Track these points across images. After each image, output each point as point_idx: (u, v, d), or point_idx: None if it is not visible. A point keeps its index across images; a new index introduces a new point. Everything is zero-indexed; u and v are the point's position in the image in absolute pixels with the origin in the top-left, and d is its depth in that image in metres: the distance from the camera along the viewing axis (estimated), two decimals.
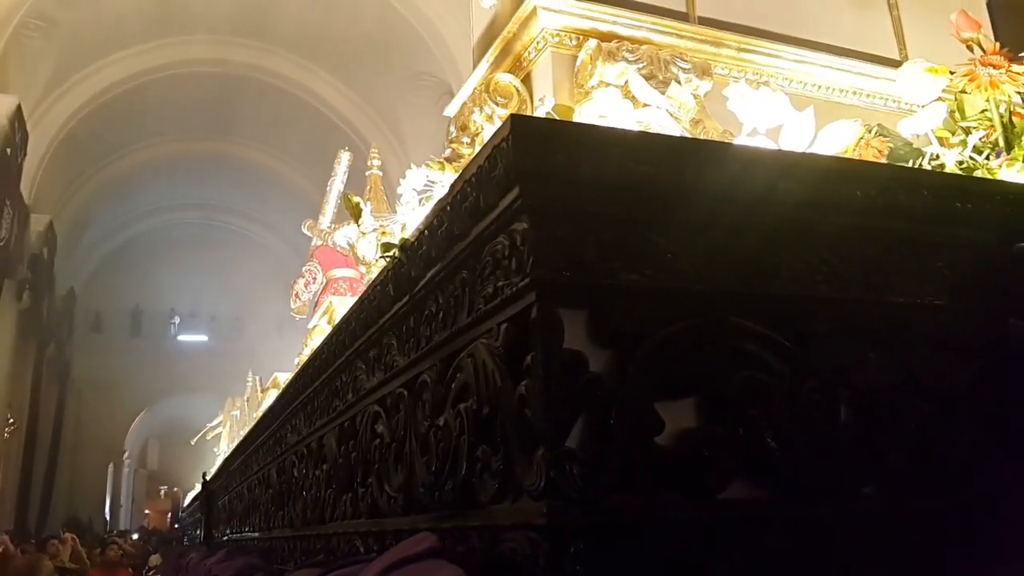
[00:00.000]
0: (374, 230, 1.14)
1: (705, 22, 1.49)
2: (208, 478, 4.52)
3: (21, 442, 16.11)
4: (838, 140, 1.02)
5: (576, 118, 1.04)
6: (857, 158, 1.11)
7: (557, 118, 0.99)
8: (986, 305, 0.89)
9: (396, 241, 1.01)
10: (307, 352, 2.80)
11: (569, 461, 0.68)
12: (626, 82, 1.19)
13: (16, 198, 14.27)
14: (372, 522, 1.20)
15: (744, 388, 0.76)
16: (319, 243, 5.34)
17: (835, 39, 1.61)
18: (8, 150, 13.33)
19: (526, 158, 0.73)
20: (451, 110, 1.62)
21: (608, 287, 0.74)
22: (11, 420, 15.39)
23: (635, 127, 0.97)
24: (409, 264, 1.02)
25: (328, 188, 5.58)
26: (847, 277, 0.84)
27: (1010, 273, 0.90)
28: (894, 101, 1.63)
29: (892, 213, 0.87)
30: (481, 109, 1.40)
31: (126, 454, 22.65)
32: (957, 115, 1.12)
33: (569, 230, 0.74)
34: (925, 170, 1.03)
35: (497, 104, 1.38)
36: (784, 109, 0.98)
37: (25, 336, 15.85)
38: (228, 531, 3.34)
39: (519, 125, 0.73)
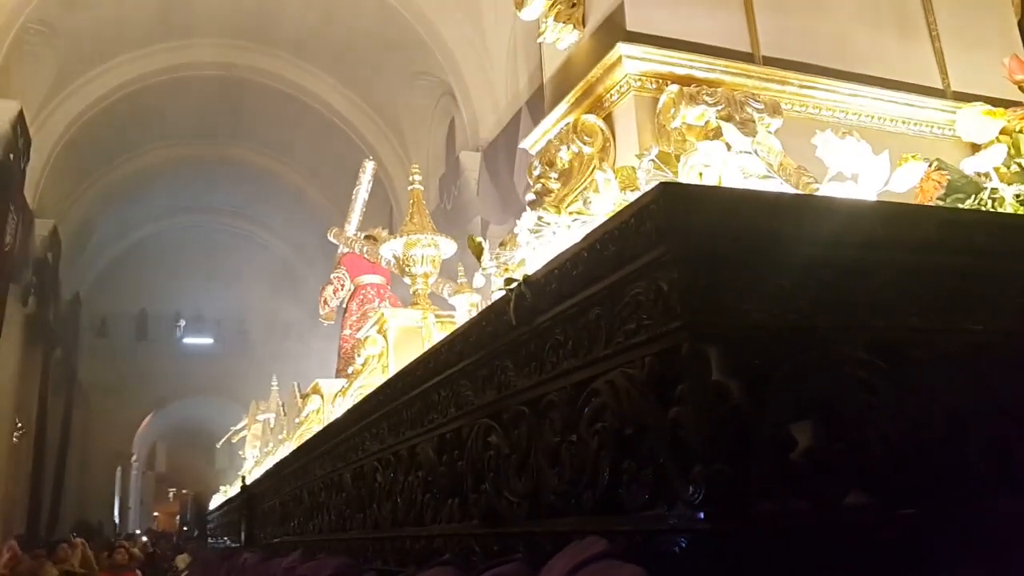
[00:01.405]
0: (496, 265, 1.27)
1: (769, 62, 1.62)
2: (247, 482, 4.66)
3: (30, 447, 16.22)
4: (909, 179, 1.16)
5: (681, 167, 1.18)
6: (921, 197, 1.24)
7: (689, 182, 1.11)
8: None
9: (515, 275, 1.14)
10: (360, 362, 2.93)
11: (722, 475, 0.82)
12: (715, 125, 1.32)
13: (20, 203, 14.33)
14: (487, 525, 1.34)
15: (857, 408, 0.89)
16: (345, 250, 5.48)
17: (883, 71, 1.75)
18: (11, 155, 13.40)
19: (674, 219, 0.87)
20: (528, 143, 1.76)
21: (741, 326, 0.88)
22: (19, 425, 15.50)
23: (737, 173, 1.11)
24: (533, 298, 1.15)
25: (353, 196, 5.71)
26: (935, 309, 0.98)
27: None
28: (939, 128, 1.77)
29: (967, 251, 1.01)
30: (568, 147, 1.53)
31: (134, 457, 22.79)
32: (1012, 151, 1.25)
33: (708, 279, 0.88)
34: (992, 212, 1.16)
35: (584, 143, 1.52)
36: (864, 154, 1.12)
37: (31, 341, 15.94)
38: (279, 532, 3.48)
39: (670, 189, 0.87)
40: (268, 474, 3.88)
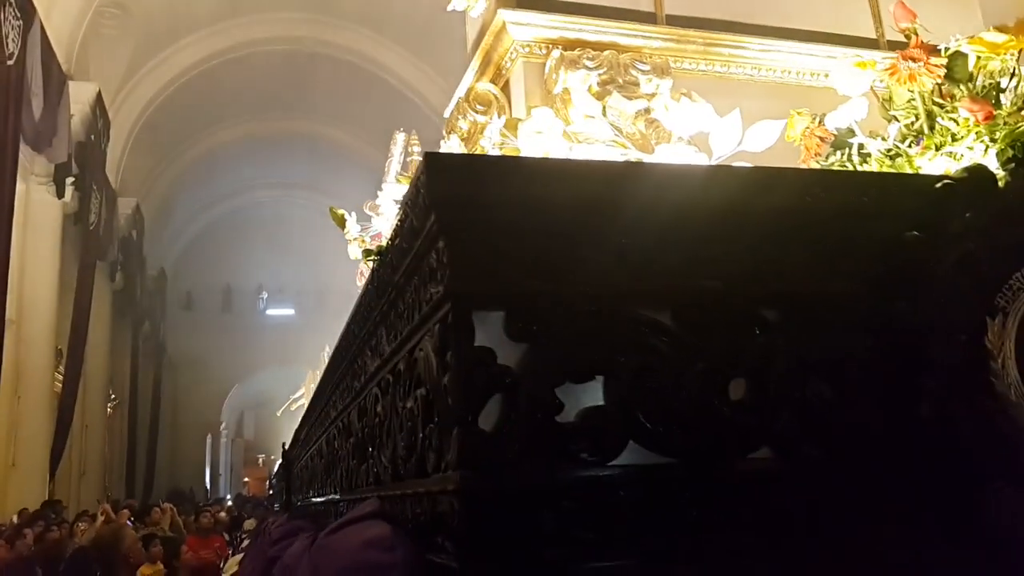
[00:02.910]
0: (356, 238, 1.30)
1: (673, 21, 1.58)
2: (286, 447, 4.86)
3: (124, 417, 17.26)
4: (765, 139, 1.13)
5: (520, 133, 1.18)
6: (805, 155, 1.20)
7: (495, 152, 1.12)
8: (880, 290, 1.00)
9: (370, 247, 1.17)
10: None
11: (476, 437, 0.84)
12: (596, 90, 1.30)
13: (102, 182, 15.05)
14: (376, 489, 1.39)
15: (634, 370, 0.89)
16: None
17: (808, 23, 1.68)
18: (92, 136, 14.06)
19: (438, 188, 0.88)
20: (447, 112, 1.77)
21: (515, 294, 0.89)
22: (113, 396, 16.48)
23: (567, 141, 1.10)
24: (384, 269, 1.18)
25: (386, 168, 5.80)
26: (745, 272, 0.96)
27: (901, 259, 1.00)
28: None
29: (798, 213, 0.98)
30: (465, 116, 1.54)
31: (223, 425, 23.96)
32: (887, 103, 1.20)
33: (480, 248, 0.89)
34: (830, 170, 1.12)
35: (477, 112, 1.52)
36: (708, 117, 1.09)
37: (121, 316, 16.84)
38: (303, 496, 3.64)
39: (432, 161, 0.88)
40: (294, 440, 4.05)
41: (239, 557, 4.01)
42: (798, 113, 1.23)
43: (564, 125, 1.11)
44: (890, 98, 1.20)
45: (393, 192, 1.21)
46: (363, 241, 1.26)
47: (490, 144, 1.13)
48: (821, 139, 1.23)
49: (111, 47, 15.33)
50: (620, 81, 1.36)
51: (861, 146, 1.15)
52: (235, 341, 21.99)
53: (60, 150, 12.55)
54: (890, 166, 1.08)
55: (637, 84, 1.36)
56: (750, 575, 0.87)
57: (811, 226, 1.00)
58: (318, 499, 2.69)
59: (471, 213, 0.89)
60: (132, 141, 16.39)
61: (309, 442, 3.00)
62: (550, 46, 1.49)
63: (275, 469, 12.20)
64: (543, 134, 1.09)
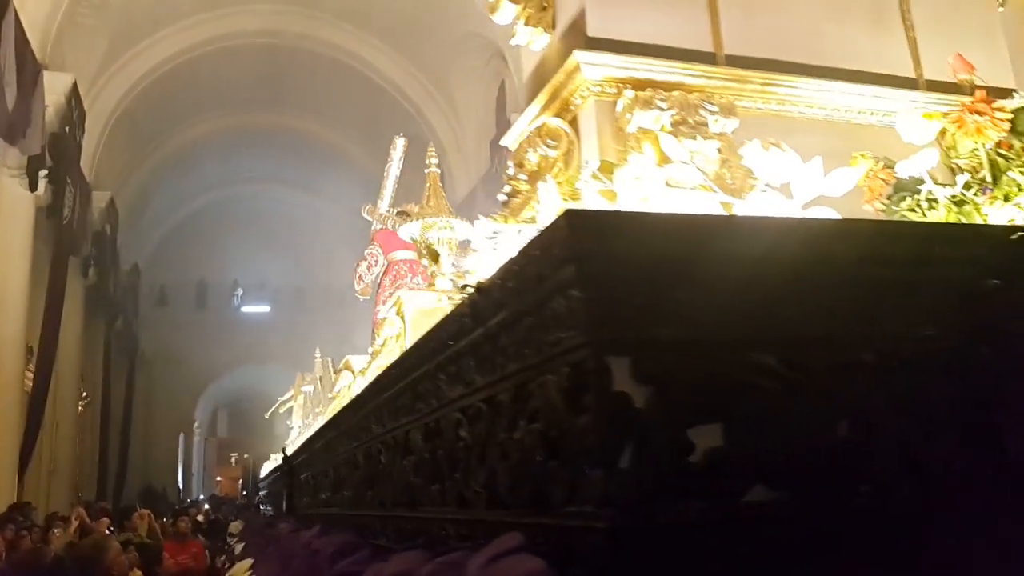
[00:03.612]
0: (452, 274, 1.35)
1: (732, 61, 1.65)
2: (288, 452, 4.88)
3: (96, 415, 17.03)
4: (844, 184, 1.21)
5: (617, 178, 1.24)
6: (869, 195, 1.29)
7: (607, 207, 1.19)
8: (962, 335, 1.08)
9: (470, 280, 1.23)
10: (379, 342, 3.06)
11: (620, 478, 0.90)
12: (669, 129, 1.37)
13: (77, 175, 14.84)
14: (460, 511, 1.45)
15: (755, 413, 0.97)
16: (379, 227, 5.63)
17: (852, 63, 1.76)
18: (67, 128, 13.86)
19: (578, 244, 0.95)
20: (507, 140, 1.83)
21: (644, 340, 0.96)
22: (84, 394, 16.27)
23: (666, 186, 1.17)
24: (484, 304, 1.25)
25: (385, 173, 5.85)
26: (840, 318, 1.04)
27: (982, 304, 1.08)
28: None
29: (879, 262, 1.06)
30: (535, 150, 1.60)
31: (196, 424, 23.71)
32: (951, 152, 1.29)
33: (612, 296, 0.96)
34: (906, 221, 1.20)
35: (548, 146, 1.59)
36: (794, 163, 1.17)
37: (93, 312, 16.61)
38: (313, 504, 3.67)
39: (573, 217, 0.95)
40: (303, 446, 4.08)
41: (247, 562, 4.03)
42: (862, 156, 1.31)
43: (660, 172, 1.17)
44: (954, 146, 1.29)
45: (485, 228, 1.26)
46: (461, 275, 1.31)
47: (585, 187, 1.19)
48: (884, 181, 1.31)
49: (87, 37, 15.08)
50: (691, 121, 1.43)
51: (930, 193, 1.24)
52: (210, 338, 21.78)
53: (34, 142, 12.36)
54: (957, 213, 1.16)
55: (706, 124, 1.43)
56: None
57: (896, 274, 1.08)
58: (344, 510, 2.74)
59: (606, 266, 0.96)
60: (107, 134, 16.16)
61: (331, 452, 3.04)
62: (620, 85, 1.55)
63: (251, 468, 12.16)
64: (641, 179, 1.16)
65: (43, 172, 13.04)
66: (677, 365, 0.96)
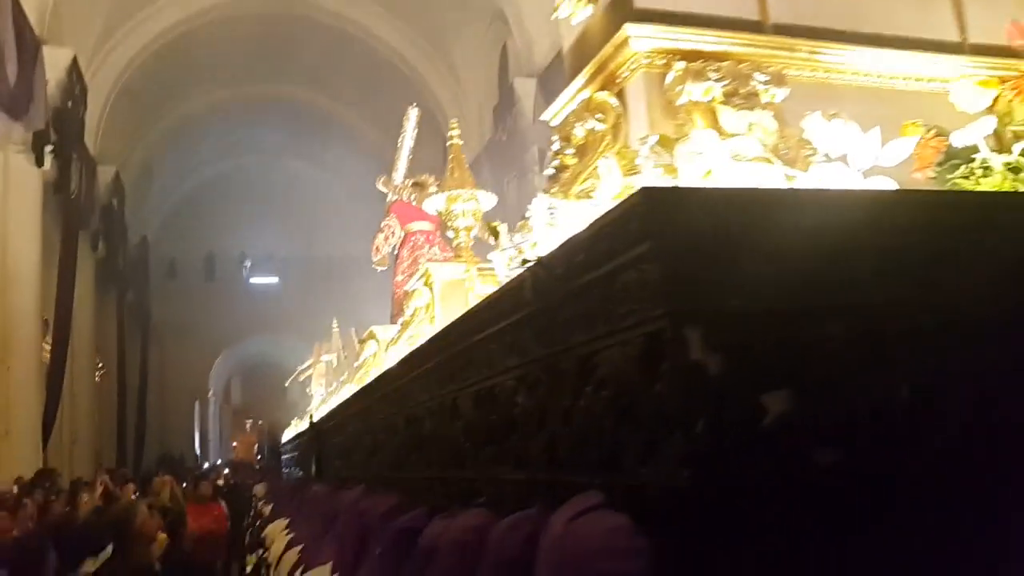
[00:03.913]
0: (513, 247, 1.40)
1: (779, 29, 1.67)
2: (314, 419, 4.98)
3: (113, 385, 17.23)
4: (898, 154, 1.24)
5: (677, 153, 1.28)
6: (919, 164, 1.32)
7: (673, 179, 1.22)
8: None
9: (529, 256, 1.27)
10: (409, 313, 3.12)
11: (697, 441, 0.96)
12: (720, 100, 1.39)
13: (81, 150, 14.80)
14: (517, 472, 1.51)
15: (825, 379, 1.02)
16: (394, 198, 5.65)
17: (897, 29, 1.78)
18: (69, 103, 13.79)
19: (654, 220, 0.99)
20: (547, 115, 1.85)
21: (717, 311, 1.01)
22: (100, 365, 16.44)
23: (729, 160, 1.21)
24: (545, 278, 1.29)
25: (399, 144, 5.86)
26: (903, 285, 1.08)
27: None
28: (955, 83, 1.79)
29: (941, 230, 1.11)
30: (582, 124, 1.63)
31: (211, 392, 23.97)
32: (1006, 118, 1.31)
33: (688, 270, 1.00)
34: (967, 190, 1.24)
35: (597, 120, 1.61)
36: (853, 134, 1.20)
37: (104, 285, 16.72)
38: (345, 467, 3.76)
39: (650, 194, 0.99)
40: (333, 413, 4.16)
41: (283, 522, 4.13)
42: (913, 125, 1.34)
43: (723, 145, 1.20)
44: (1009, 112, 1.31)
45: (544, 202, 1.30)
46: (520, 250, 1.36)
47: (646, 162, 1.22)
48: (935, 150, 1.34)
49: (85, 10, 14.94)
50: (742, 92, 1.45)
51: (984, 160, 1.27)
52: (220, 309, 21.93)
53: (37, 117, 12.31)
54: (1014, 180, 1.20)
55: (757, 94, 1.46)
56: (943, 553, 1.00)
57: (957, 241, 1.12)
58: (383, 472, 2.81)
59: (680, 240, 1.00)
60: (109, 108, 16.10)
61: (368, 418, 3.11)
62: (669, 57, 1.57)
63: (276, 436, 12.39)
64: (703, 155, 1.18)
65: (48, 147, 13.02)
66: (748, 334, 1.01)
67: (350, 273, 20.64)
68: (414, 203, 5.43)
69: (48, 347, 13.15)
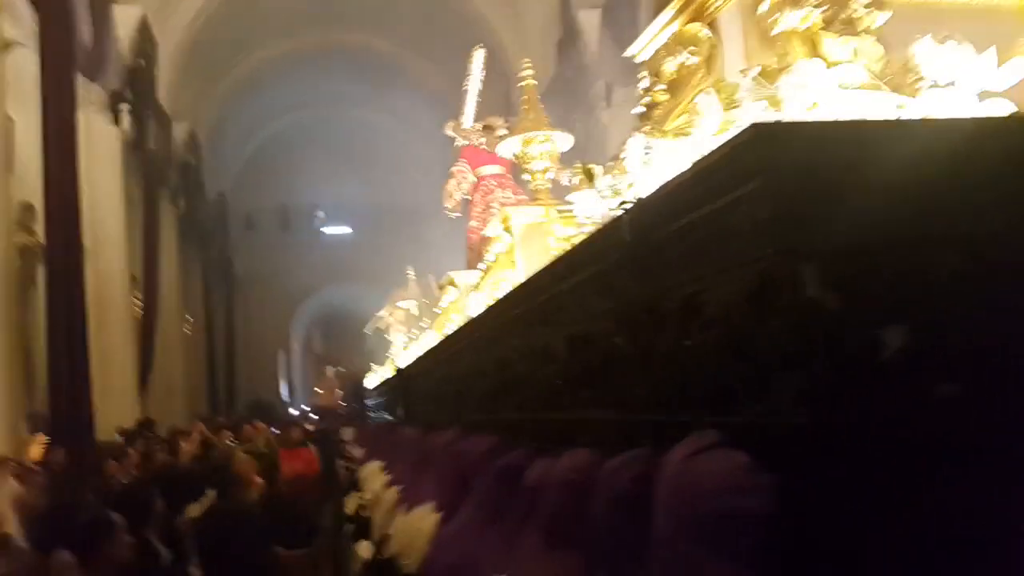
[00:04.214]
0: (610, 189, 1.39)
1: None
2: (399, 365, 5.12)
3: (202, 337, 17.94)
4: (1010, 77, 1.18)
5: (781, 85, 1.24)
6: None
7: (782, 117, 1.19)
8: None
9: (628, 197, 1.27)
10: (491, 259, 3.14)
11: (817, 377, 0.95)
12: (819, 27, 1.33)
13: (156, 108, 15.14)
14: (618, 413, 1.53)
15: (944, 311, 0.99)
16: (464, 143, 5.64)
17: None
18: (141, 61, 14.07)
19: (765, 157, 0.97)
20: (634, 50, 1.81)
21: (832, 246, 0.99)
22: (188, 318, 17.11)
23: (835, 89, 1.16)
24: (645, 219, 1.28)
25: (465, 88, 5.81)
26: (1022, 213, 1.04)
27: None
28: None
29: None
30: (674, 58, 1.59)
31: (293, 340, 24.77)
32: None
33: (800, 206, 0.98)
34: None
35: (690, 53, 1.57)
36: (968, 57, 1.15)
37: (187, 239, 17.27)
38: (433, 411, 3.86)
39: (761, 130, 0.97)
40: (419, 359, 4.26)
41: (378, 464, 4.29)
42: None
43: (828, 75, 1.15)
44: None
45: (639, 142, 1.28)
46: (617, 192, 1.35)
47: (748, 95, 1.19)
48: None
49: None
50: (842, 17, 1.39)
51: None
52: (296, 260, 22.47)
53: (113, 76, 12.62)
54: None
55: (857, 19, 1.39)
56: None
57: None
58: (473, 416, 2.88)
59: (793, 176, 0.98)
60: (180, 64, 16.36)
61: (456, 363, 3.17)
62: None
63: (358, 382, 12.83)
64: (807, 87, 1.15)
65: (125, 106, 13.38)
66: (864, 269, 0.99)
67: (421, 220, 20.79)
68: (484, 147, 5.40)
69: (138, 303, 13.74)
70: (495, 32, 15.95)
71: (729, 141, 1.01)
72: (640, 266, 1.38)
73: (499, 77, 13.87)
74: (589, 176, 1.54)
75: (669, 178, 1.19)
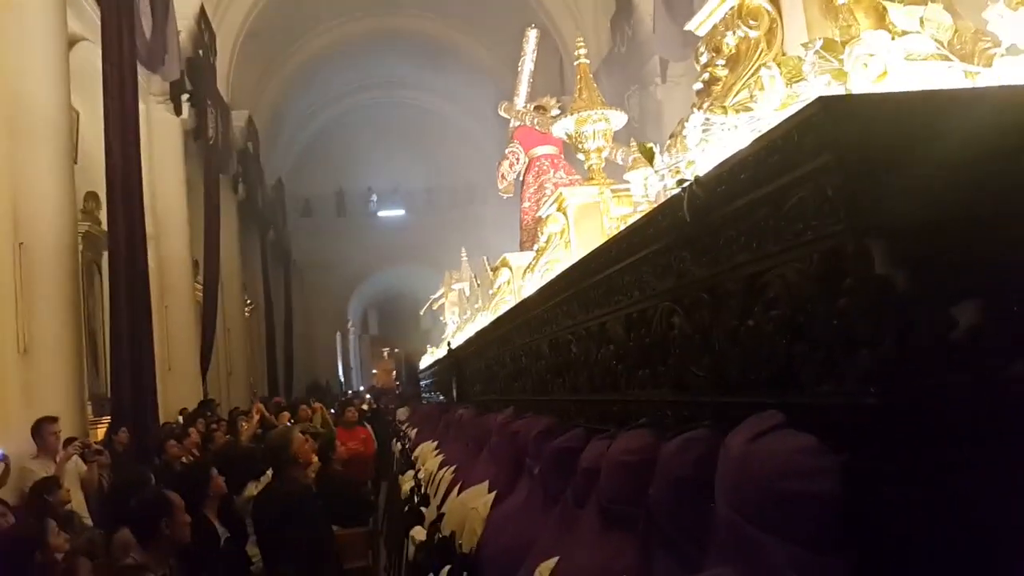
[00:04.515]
0: (668, 168, 1.37)
1: None
2: (452, 346, 5.15)
3: (261, 320, 18.35)
4: None
5: (846, 57, 1.20)
6: None
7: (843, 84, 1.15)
8: None
9: (687, 175, 1.24)
10: (544, 240, 3.13)
11: (887, 356, 0.93)
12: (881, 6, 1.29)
13: (216, 97, 15.45)
14: (678, 394, 1.51)
15: (1013, 286, 0.96)
16: (517, 123, 5.62)
17: None
18: (200, 51, 14.36)
19: (833, 131, 0.95)
20: (692, 25, 1.77)
21: (900, 223, 0.96)
22: (248, 301, 17.51)
23: (902, 60, 1.12)
24: (705, 197, 1.26)
25: (519, 68, 5.78)
26: None
27: None
28: None
29: None
30: (734, 32, 1.56)
31: (349, 323, 25.19)
32: None
33: (869, 182, 0.95)
34: None
35: (749, 27, 1.53)
36: None
37: (247, 225, 17.65)
38: (486, 391, 3.88)
39: (829, 103, 0.94)
40: (471, 340, 4.28)
41: (432, 444, 4.34)
42: None
43: (895, 45, 1.11)
44: None
45: (699, 117, 1.26)
46: (677, 170, 1.33)
47: (812, 68, 1.15)
48: None
49: None
50: None
51: None
52: (352, 243, 22.80)
53: (172, 67, 12.88)
54: None
55: None
56: None
57: None
58: (527, 396, 2.89)
59: (860, 151, 0.95)
60: (237, 54, 16.66)
61: (508, 344, 3.18)
62: None
63: (414, 363, 12.99)
64: (876, 57, 1.11)
65: (185, 96, 13.68)
66: (934, 245, 0.96)
67: (474, 201, 20.89)
68: (537, 127, 5.38)
69: (200, 287, 14.09)
70: (548, 11, 15.84)
71: (795, 115, 0.98)
72: (700, 246, 1.36)
73: (552, 56, 13.76)
74: (648, 155, 1.52)
75: (729, 155, 1.16)
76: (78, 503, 5.86)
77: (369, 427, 10.85)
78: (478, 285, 5.04)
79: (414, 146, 22.51)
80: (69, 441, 6.40)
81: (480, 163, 18.44)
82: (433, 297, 7.59)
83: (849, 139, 0.94)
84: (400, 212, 24.51)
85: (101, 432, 9.07)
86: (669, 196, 1.37)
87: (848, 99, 0.97)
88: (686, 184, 1.28)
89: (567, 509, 1.57)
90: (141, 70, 11.07)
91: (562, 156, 5.59)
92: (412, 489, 4.06)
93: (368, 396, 17.88)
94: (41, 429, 6.29)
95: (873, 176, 0.95)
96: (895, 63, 1.12)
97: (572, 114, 3.17)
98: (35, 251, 7.68)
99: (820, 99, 0.92)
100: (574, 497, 1.55)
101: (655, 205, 1.57)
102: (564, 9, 15.54)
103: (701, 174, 1.25)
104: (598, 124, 3.11)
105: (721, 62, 1.62)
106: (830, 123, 0.94)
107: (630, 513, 1.32)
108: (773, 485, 0.91)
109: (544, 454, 1.87)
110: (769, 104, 1.24)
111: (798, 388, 1.08)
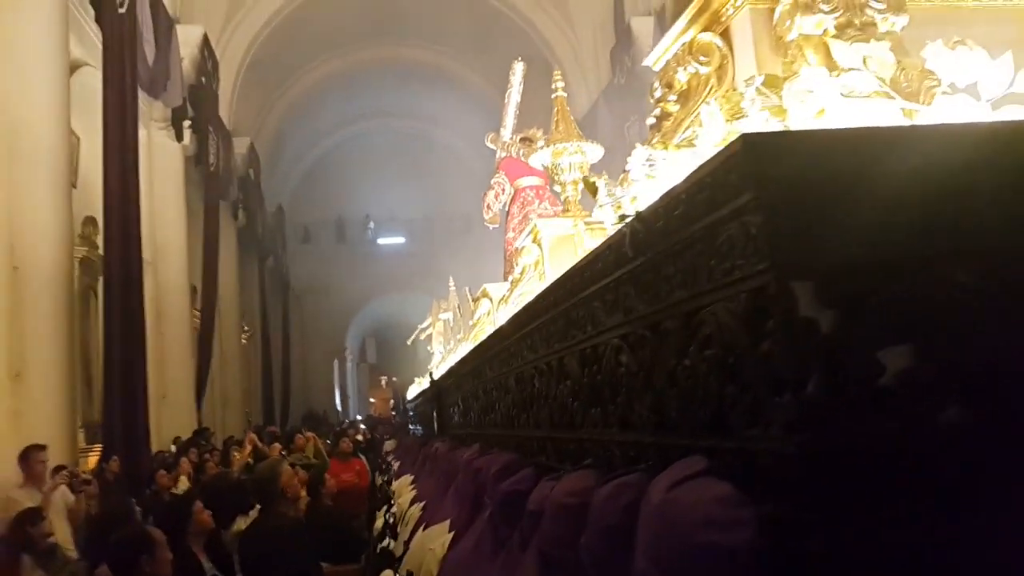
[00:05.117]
0: (609, 203, 1.35)
1: None
2: (433, 376, 5.10)
3: (258, 347, 18.31)
4: None
5: (785, 93, 1.18)
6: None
7: (784, 127, 1.13)
8: None
9: (628, 211, 1.22)
10: (518, 271, 3.10)
11: (810, 402, 0.89)
12: (833, 34, 1.27)
13: (217, 124, 15.57)
14: (624, 433, 1.47)
15: (951, 331, 0.92)
16: (503, 155, 5.64)
17: None
18: (203, 78, 14.51)
19: (756, 168, 0.92)
20: (650, 61, 1.76)
21: (828, 263, 0.92)
22: (246, 328, 17.47)
23: (841, 97, 1.10)
24: (645, 233, 1.23)
25: (506, 100, 5.82)
26: None
27: None
28: None
29: None
30: (685, 68, 1.54)
31: (347, 351, 25.12)
32: None
33: (795, 220, 0.92)
34: None
35: (700, 63, 1.52)
36: (981, 61, 1.07)
37: (246, 252, 17.69)
38: (463, 424, 3.83)
39: (751, 140, 0.91)
40: (450, 371, 4.23)
41: (408, 478, 4.27)
42: None
43: (833, 82, 1.09)
44: None
45: (643, 153, 1.24)
46: (619, 205, 1.31)
47: (751, 105, 1.13)
48: None
49: None
50: (857, 23, 1.32)
51: None
52: (351, 270, 22.83)
53: (175, 94, 13.00)
54: None
55: (874, 24, 1.32)
56: None
57: None
58: (496, 430, 2.84)
59: (786, 189, 0.92)
60: (240, 81, 16.81)
61: (480, 377, 3.14)
62: None
63: (400, 391, 12.90)
64: (814, 93, 1.08)
65: (186, 122, 13.79)
66: (863, 287, 0.92)
67: (472, 230, 20.87)
68: (523, 158, 5.39)
69: (197, 313, 14.06)
70: (548, 42, 16.00)
71: (720, 152, 0.95)
72: (643, 282, 1.32)
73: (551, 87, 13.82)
74: (591, 189, 1.50)
75: (664, 192, 1.14)
76: (64, 534, 5.77)
77: (363, 458, 10.74)
78: (460, 315, 5.02)
79: (415, 174, 22.63)
80: (57, 470, 6.33)
81: (478, 192, 18.51)
82: (421, 327, 7.56)
83: (771, 177, 0.91)
84: (400, 240, 24.58)
85: (93, 460, 8.98)
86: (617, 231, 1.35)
87: (770, 136, 0.95)
88: (628, 219, 1.25)
89: (511, 554, 1.52)
90: (143, 95, 11.16)
91: (547, 187, 5.59)
92: (383, 526, 3.99)
93: (363, 426, 17.73)
94: (29, 457, 6.23)
95: (799, 215, 0.92)
96: (832, 100, 1.09)
97: (549, 146, 3.16)
98: (30, 275, 7.67)
99: (743, 136, 0.90)
100: (519, 541, 1.51)
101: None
102: (564, 41, 15.70)
103: (642, 210, 1.23)
104: (574, 156, 3.10)
105: (673, 98, 1.60)
106: (752, 160, 0.91)
107: (569, 558, 1.28)
108: (690, 536, 0.87)
109: (494, 496, 1.83)
110: (710, 140, 1.22)
111: (728, 432, 1.04)
